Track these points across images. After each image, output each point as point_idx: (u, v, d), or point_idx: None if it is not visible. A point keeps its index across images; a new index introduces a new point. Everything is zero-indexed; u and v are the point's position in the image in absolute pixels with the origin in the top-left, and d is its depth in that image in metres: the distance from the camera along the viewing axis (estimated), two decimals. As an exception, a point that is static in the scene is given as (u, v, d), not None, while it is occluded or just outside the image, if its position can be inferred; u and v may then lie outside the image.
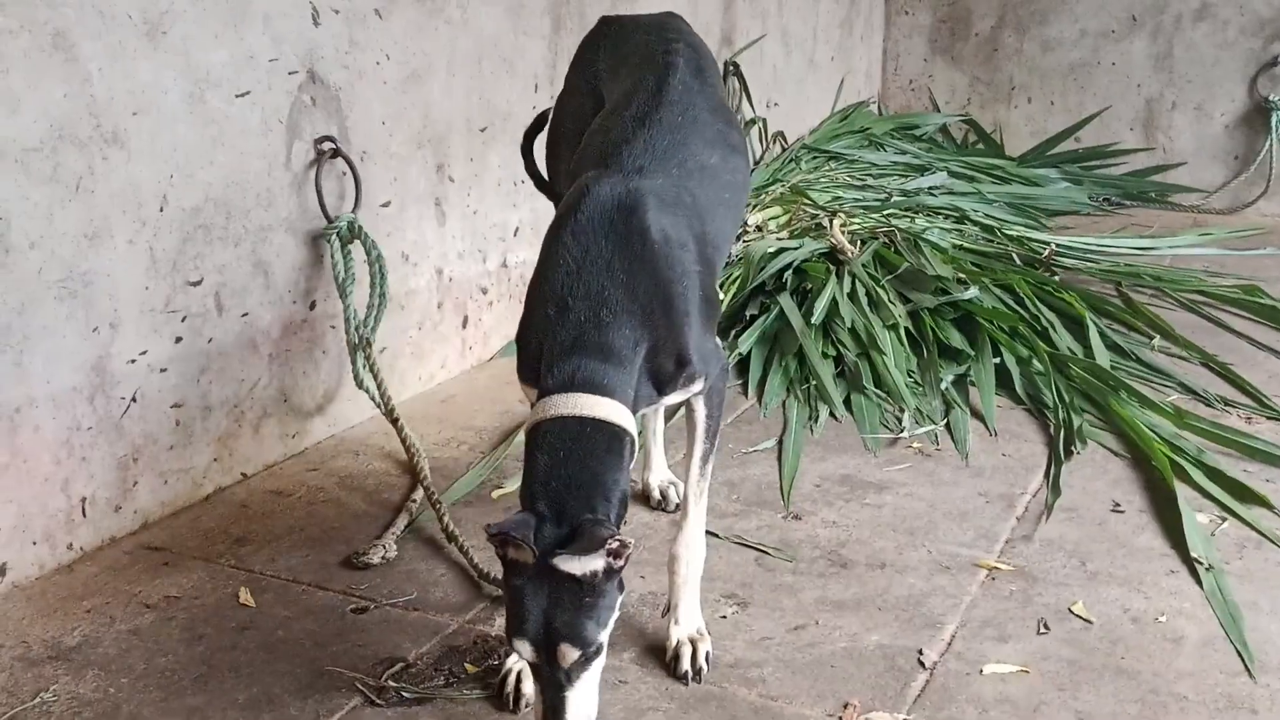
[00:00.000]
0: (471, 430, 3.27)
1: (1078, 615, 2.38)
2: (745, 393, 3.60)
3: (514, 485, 2.90)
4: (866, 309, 3.93)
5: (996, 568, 2.57)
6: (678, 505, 2.74)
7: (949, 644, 2.29)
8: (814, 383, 3.56)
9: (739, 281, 4.19)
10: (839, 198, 5.16)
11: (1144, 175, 6.12)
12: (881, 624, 2.35)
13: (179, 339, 2.70)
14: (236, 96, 2.79)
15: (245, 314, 2.87)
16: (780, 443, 3.21)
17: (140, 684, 2.11)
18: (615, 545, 1.78)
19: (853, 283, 4.11)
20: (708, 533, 2.45)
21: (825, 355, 3.71)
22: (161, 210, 2.62)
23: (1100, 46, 6.16)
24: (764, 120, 5.48)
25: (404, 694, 2.09)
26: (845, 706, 2.09)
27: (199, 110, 2.69)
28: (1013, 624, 2.36)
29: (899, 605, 2.42)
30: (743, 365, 3.74)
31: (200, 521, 2.71)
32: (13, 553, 2.39)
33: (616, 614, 1.86)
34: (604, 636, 1.83)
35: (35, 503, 2.42)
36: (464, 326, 3.67)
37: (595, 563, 1.78)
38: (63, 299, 2.43)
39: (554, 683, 1.81)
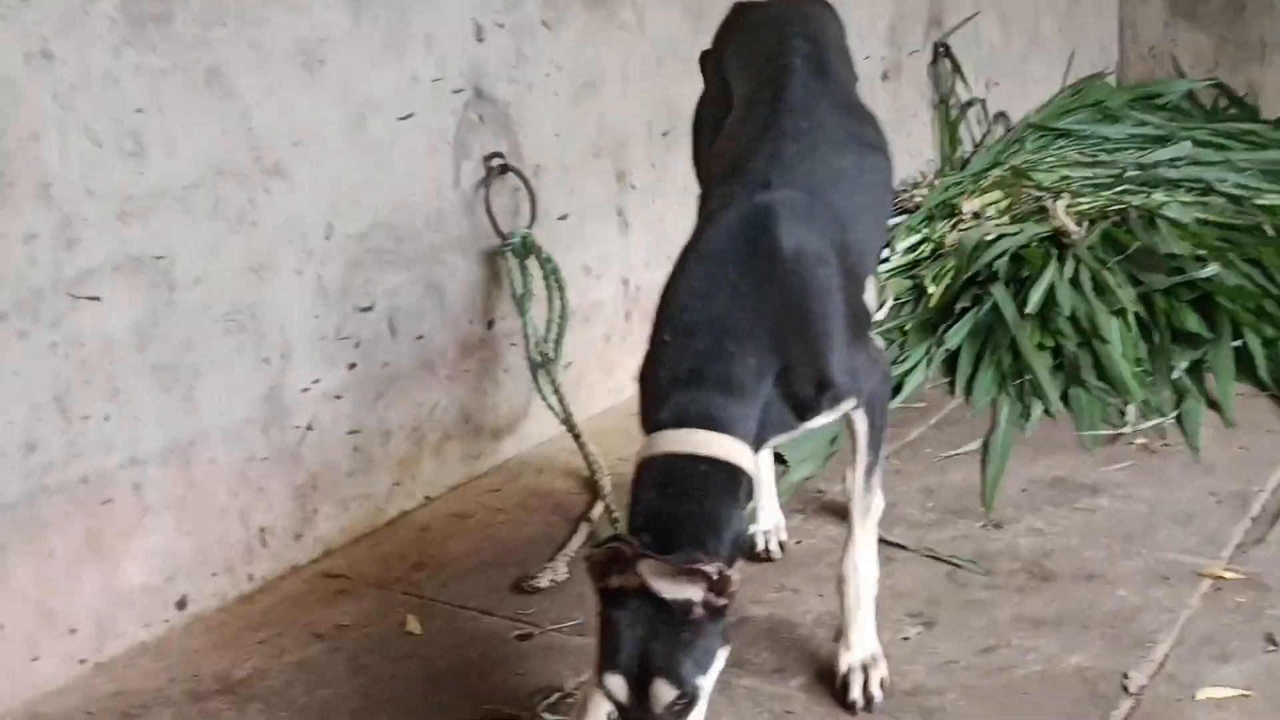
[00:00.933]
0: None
1: (1318, 632, 2.08)
2: (952, 391, 3.37)
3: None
4: (1090, 295, 3.62)
5: (1222, 576, 2.29)
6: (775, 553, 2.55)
7: (1160, 666, 2.04)
8: (1028, 377, 3.30)
9: (951, 273, 3.95)
10: (1066, 177, 4.80)
11: None
12: (1083, 644, 2.12)
13: (353, 365, 2.73)
14: (399, 120, 2.80)
15: (420, 336, 2.88)
16: (986, 444, 2.97)
17: (299, 718, 2.12)
18: (715, 575, 1.64)
19: (1076, 267, 3.80)
20: (894, 544, 2.28)
21: (1042, 347, 3.44)
22: (328, 238, 2.65)
23: (1368, -12, 5.55)
24: (982, 101, 5.19)
25: (553, 723, 2.02)
26: (1033, 739, 1.88)
27: (361, 136, 2.72)
28: (1237, 641, 2.08)
29: (1105, 622, 2.18)
30: (951, 362, 3.51)
31: (380, 547, 2.72)
32: (193, 585, 2.45)
33: (718, 664, 1.71)
34: (702, 683, 1.68)
35: (214, 534, 2.48)
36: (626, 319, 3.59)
37: (691, 591, 1.64)
38: (231, 332, 2.48)
39: None
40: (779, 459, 2.90)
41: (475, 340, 3.03)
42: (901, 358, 3.54)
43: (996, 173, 4.84)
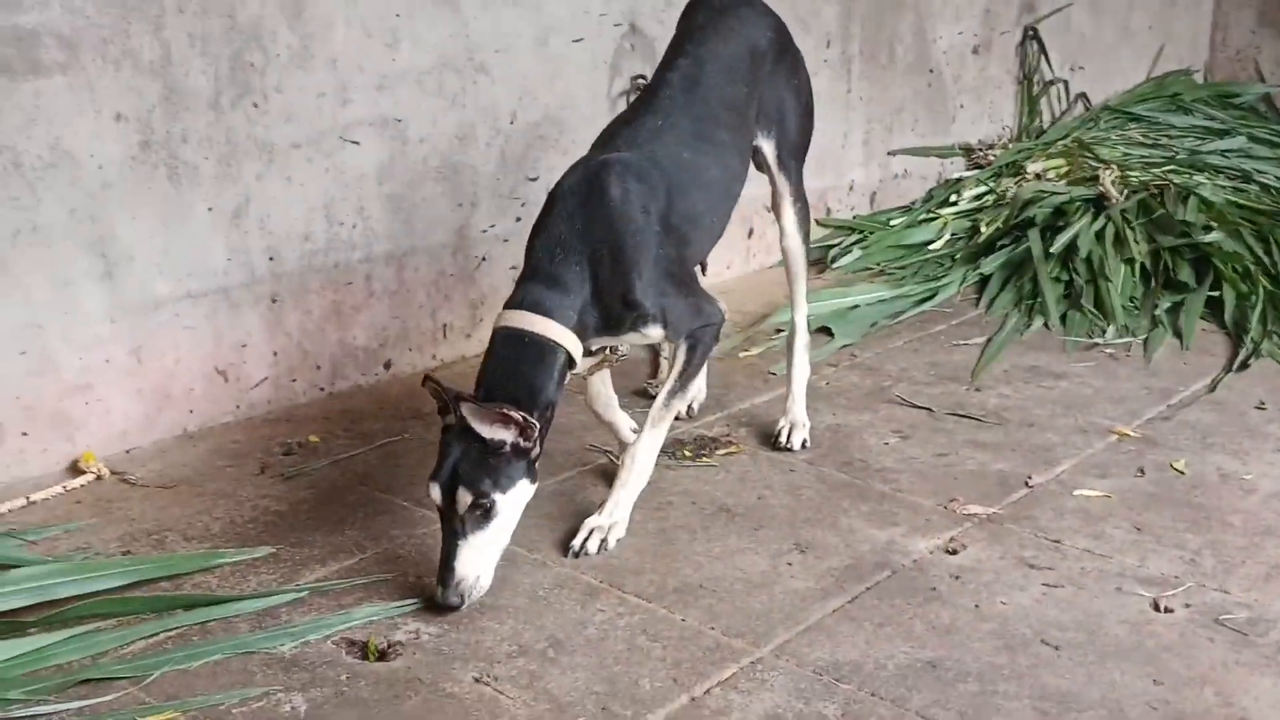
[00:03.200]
0: (740, 313, 4.10)
1: (1176, 469, 2.93)
2: (976, 305, 4.22)
3: (758, 350, 3.73)
4: (1108, 245, 4.41)
5: (1126, 434, 3.13)
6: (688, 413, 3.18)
7: (1056, 476, 2.91)
8: (1039, 300, 4.13)
9: (1003, 218, 4.77)
10: (1126, 154, 5.55)
11: None
12: (1009, 459, 2.99)
13: (518, 219, 3.68)
14: (573, 41, 3.74)
15: (568, 206, 3.83)
16: (989, 340, 3.83)
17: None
18: (520, 420, 2.20)
19: (1105, 224, 4.59)
20: (904, 401, 3.13)
21: (1057, 280, 4.26)
22: (511, 122, 3.61)
23: None
24: (1065, 82, 5.93)
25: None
26: (951, 500, 2.77)
27: (544, 50, 3.66)
28: (1116, 469, 2.94)
29: (1030, 450, 3.05)
30: (982, 285, 4.35)
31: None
32: (396, 353, 3.47)
33: (520, 490, 2.26)
34: (500, 499, 2.22)
35: (413, 321, 3.48)
36: (749, 237, 4.49)
37: (502, 433, 2.21)
38: (439, 180, 3.46)
39: (451, 530, 2.22)
40: (826, 330, 3.83)
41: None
42: (941, 275, 4.41)
43: (1064, 143, 5.62)
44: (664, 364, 3.28)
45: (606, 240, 2.42)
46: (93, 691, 2.05)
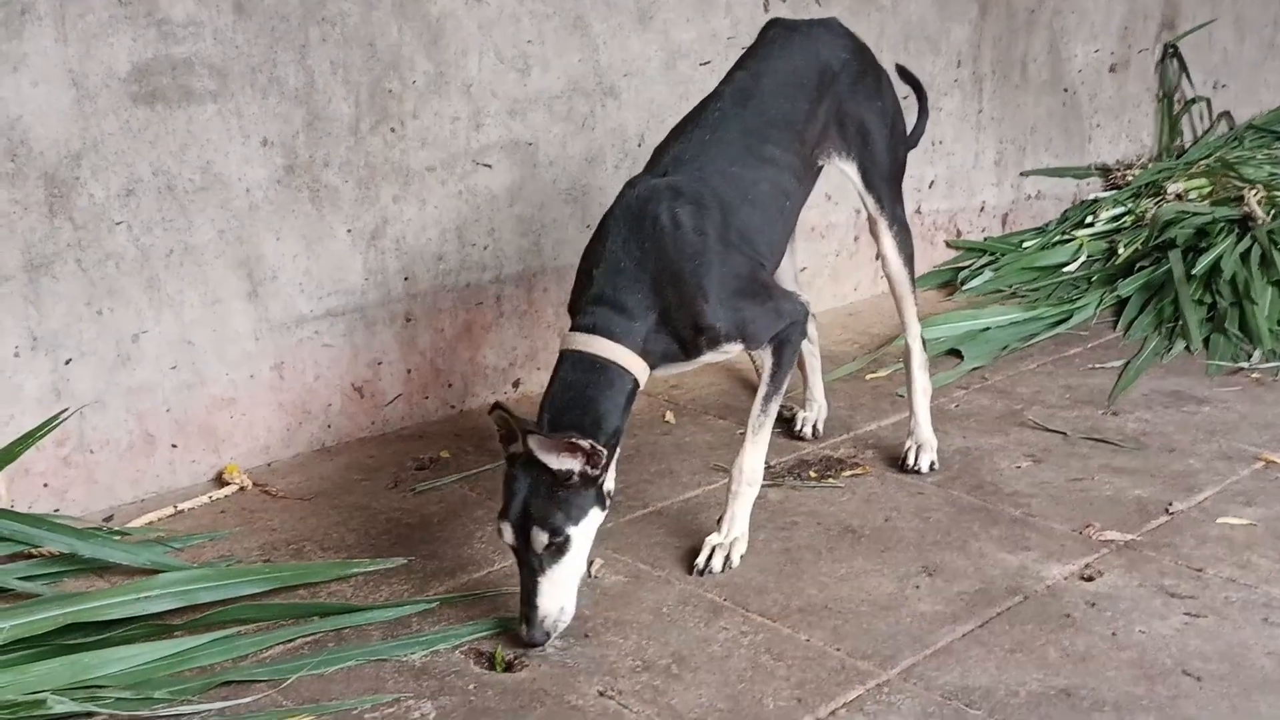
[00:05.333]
0: (867, 335, 4.07)
1: (1328, 498, 2.81)
2: (1114, 329, 4.11)
3: (885, 372, 3.69)
4: (1254, 267, 4.26)
5: (1274, 462, 3.01)
6: (813, 433, 3.19)
7: (1199, 503, 2.81)
8: (1180, 323, 4.01)
9: (1142, 239, 4.64)
10: (1273, 174, 5.35)
11: None
12: (1148, 485, 2.91)
13: (646, 240, 3.71)
14: (700, 64, 3.77)
15: (695, 228, 3.85)
16: (1127, 364, 3.73)
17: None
18: (587, 448, 2.16)
19: (1251, 244, 4.44)
20: (1037, 424, 3.07)
21: (1200, 303, 4.13)
22: (639, 145, 3.65)
23: None
24: (1207, 100, 5.76)
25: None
26: (1087, 525, 2.70)
27: (671, 74, 3.70)
28: (1263, 497, 2.83)
29: (1171, 476, 2.95)
30: (1120, 308, 4.24)
31: (649, 373, 3.72)
32: (525, 373, 3.52)
33: (591, 519, 2.23)
34: (573, 532, 2.19)
35: (541, 341, 3.53)
36: (876, 259, 4.44)
37: (570, 462, 2.17)
38: (568, 201, 3.52)
39: (529, 567, 2.19)
40: (956, 353, 3.77)
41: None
42: (1076, 297, 4.31)
43: (1206, 163, 5.45)
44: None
45: (666, 269, 2.37)
46: (233, 693, 2.12)
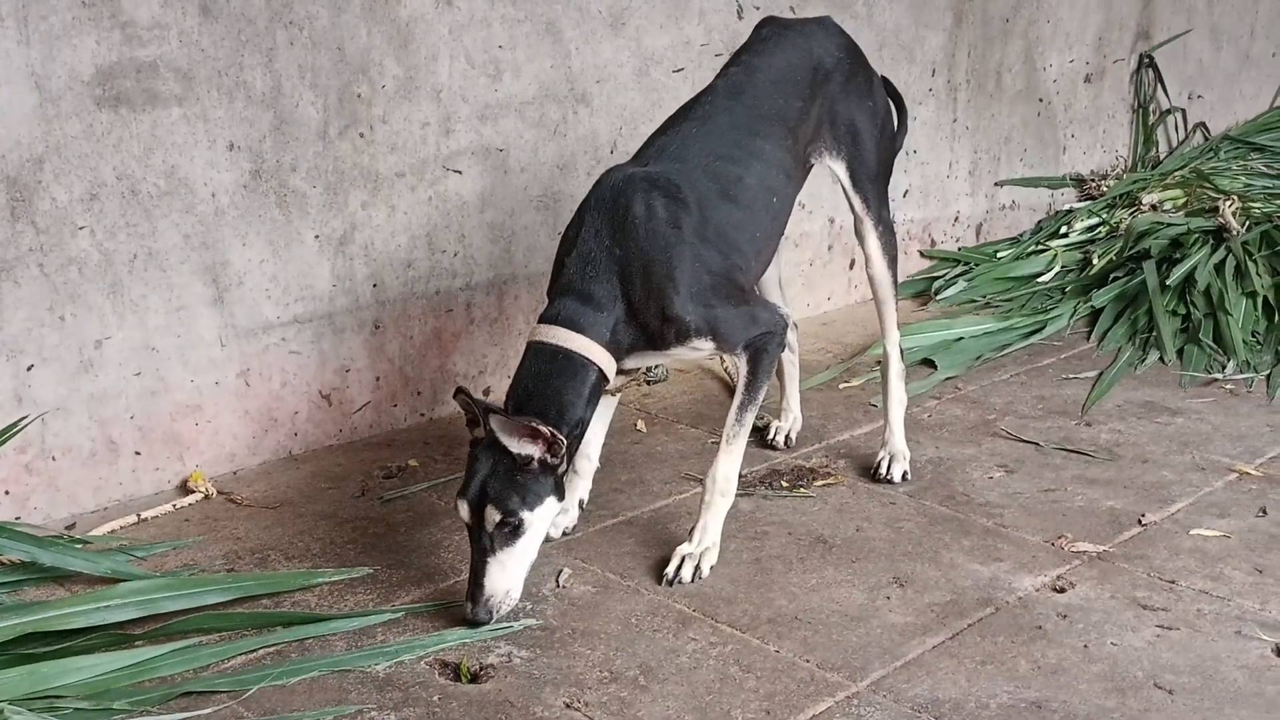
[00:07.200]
0: (840, 344, 4.05)
1: (1300, 508, 2.80)
2: (1088, 339, 4.10)
3: (859, 381, 3.67)
4: (1228, 278, 4.27)
5: (1248, 473, 3.01)
6: (786, 443, 3.17)
7: (1171, 514, 2.80)
8: (1154, 333, 4.00)
9: (1117, 250, 4.64)
10: (1248, 185, 5.37)
11: None
12: (1121, 496, 2.89)
13: (619, 248, 3.69)
14: (673, 71, 3.75)
15: (669, 236, 3.83)
16: (1101, 375, 3.72)
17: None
18: (548, 435, 2.20)
19: (1225, 256, 4.45)
20: (1010, 435, 3.05)
21: (1174, 313, 4.13)
22: (611, 152, 3.63)
23: None
24: (1182, 111, 5.77)
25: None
26: (1059, 537, 2.68)
27: (644, 80, 3.68)
28: (1236, 508, 2.82)
29: (1145, 488, 2.94)
30: (1094, 319, 4.24)
31: (622, 381, 3.69)
32: (495, 381, 3.49)
33: (547, 507, 2.26)
34: (527, 516, 2.22)
35: (512, 348, 3.50)
36: (850, 268, 4.44)
37: (530, 448, 2.21)
38: (539, 209, 3.49)
39: (480, 546, 2.24)
40: (930, 363, 3.76)
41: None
42: (1050, 308, 4.30)
43: (1181, 174, 5.46)
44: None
45: (636, 258, 2.37)
46: (194, 704, 2.07)
